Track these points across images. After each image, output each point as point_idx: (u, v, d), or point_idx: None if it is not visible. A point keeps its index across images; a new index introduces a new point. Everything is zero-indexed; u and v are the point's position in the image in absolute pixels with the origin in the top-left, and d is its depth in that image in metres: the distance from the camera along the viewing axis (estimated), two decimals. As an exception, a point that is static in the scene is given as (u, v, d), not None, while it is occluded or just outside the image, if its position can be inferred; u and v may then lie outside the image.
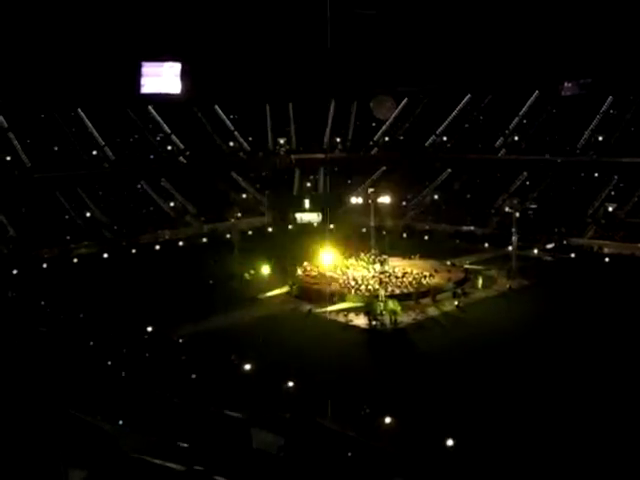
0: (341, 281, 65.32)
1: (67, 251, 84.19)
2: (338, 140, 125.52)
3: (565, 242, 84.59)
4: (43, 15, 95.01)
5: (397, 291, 62.21)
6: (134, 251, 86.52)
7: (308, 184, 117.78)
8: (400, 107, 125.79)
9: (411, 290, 62.62)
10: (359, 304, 59.74)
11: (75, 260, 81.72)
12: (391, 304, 56.94)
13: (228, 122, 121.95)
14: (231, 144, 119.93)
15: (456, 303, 60.67)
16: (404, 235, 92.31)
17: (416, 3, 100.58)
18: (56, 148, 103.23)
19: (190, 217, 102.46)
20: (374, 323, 55.48)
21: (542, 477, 31.80)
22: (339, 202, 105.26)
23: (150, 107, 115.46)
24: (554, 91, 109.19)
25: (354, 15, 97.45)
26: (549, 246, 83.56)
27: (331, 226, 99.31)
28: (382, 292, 60.00)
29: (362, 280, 64.35)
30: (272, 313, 59.35)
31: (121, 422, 35.72)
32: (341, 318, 57.35)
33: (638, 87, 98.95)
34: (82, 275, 74.56)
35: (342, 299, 61.42)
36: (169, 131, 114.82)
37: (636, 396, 40.02)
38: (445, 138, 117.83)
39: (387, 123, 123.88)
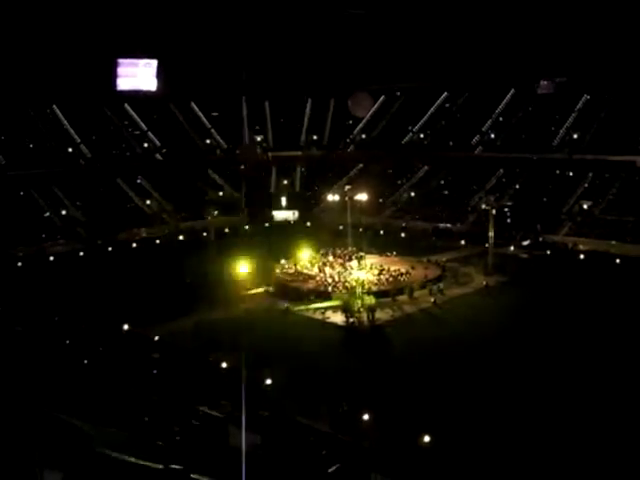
0: (318, 279, 65.32)
1: (43, 249, 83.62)
2: (315, 138, 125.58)
3: (541, 239, 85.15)
4: (18, 12, 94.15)
5: (374, 288, 62.34)
6: (110, 249, 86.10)
7: (285, 182, 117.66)
8: (377, 105, 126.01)
9: (388, 287, 62.77)
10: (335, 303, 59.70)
11: (51, 258, 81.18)
12: (367, 299, 57.20)
13: (205, 119, 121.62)
14: (208, 141, 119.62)
15: (432, 300, 60.88)
16: (381, 232, 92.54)
17: (393, 2, 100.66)
18: (31, 145, 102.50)
19: (167, 215, 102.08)
20: (351, 320, 55.52)
21: (520, 472, 32.00)
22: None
23: (126, 104, 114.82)
24: (530, 89, 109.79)
25: (338, 14, 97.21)
26: (525, 243, 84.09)
27: (308, 224, 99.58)
28: (359, 289, 60.06)
29: (339, 277, 64.40)
30: (249, 311, 59.18)
31: (98, 421, 35.57)
32: (318, 315, 57.37)
33: (612, 85, 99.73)
34: (58, 273, 74.08)
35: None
36: (145, 128, 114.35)
37: (614, 390, 40.44)
38: (422, 135, 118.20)
39: (364, 121, 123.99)
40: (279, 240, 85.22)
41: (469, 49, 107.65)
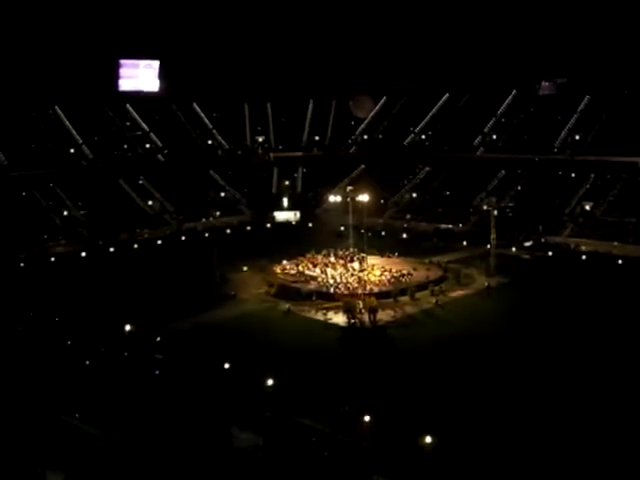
0: (319, 279, 65.31)
1: (44, 250, 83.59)
2: (317, 138, 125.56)
3: (543, 240, 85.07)
4: (20, 13, 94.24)
5: (375, 289, 62.35)
6: (112, 250, 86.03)
7: (287, 182, 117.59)
8: (379, 106, 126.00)
9: (390, 288, 62.75)
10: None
11: (52, 259, 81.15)
12: (369, 300, 57.21)
13: (206, 120, 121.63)
14: (209, 142, 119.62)
15: (434, 301, 60.83)
16: (383, 233, 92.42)
17: (394, 3, 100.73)
18: (33, 146, 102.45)
19: (168, 215, 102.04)
20: (353, 321, 55.49)
21: (521, 473, 31.99)
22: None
23: (128, 105, 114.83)
24: (532, 90, 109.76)
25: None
26: (527, 244, 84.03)
27: (309, 225, 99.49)
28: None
29: (340, 278, 64.39)
30: (251, 311, 59.24)
31: (100, 422, 35.59)
32: (320, 316, 57.35)
33: (614, 87, 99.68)
34: (60, 274, 74.07)
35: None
36: (147, 129, 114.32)
37: (615, 390, 40.44)
38: (423, 136, 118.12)
39: (366, 121, 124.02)
40: (281, 241, 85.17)
41: (471, 50, 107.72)
